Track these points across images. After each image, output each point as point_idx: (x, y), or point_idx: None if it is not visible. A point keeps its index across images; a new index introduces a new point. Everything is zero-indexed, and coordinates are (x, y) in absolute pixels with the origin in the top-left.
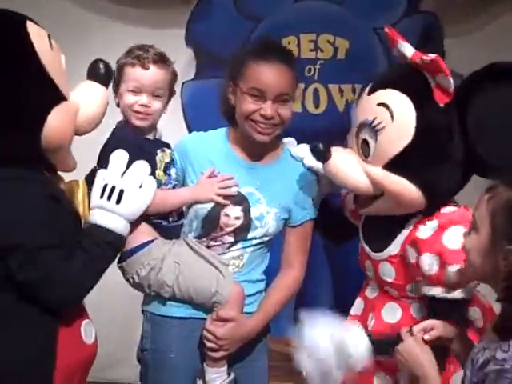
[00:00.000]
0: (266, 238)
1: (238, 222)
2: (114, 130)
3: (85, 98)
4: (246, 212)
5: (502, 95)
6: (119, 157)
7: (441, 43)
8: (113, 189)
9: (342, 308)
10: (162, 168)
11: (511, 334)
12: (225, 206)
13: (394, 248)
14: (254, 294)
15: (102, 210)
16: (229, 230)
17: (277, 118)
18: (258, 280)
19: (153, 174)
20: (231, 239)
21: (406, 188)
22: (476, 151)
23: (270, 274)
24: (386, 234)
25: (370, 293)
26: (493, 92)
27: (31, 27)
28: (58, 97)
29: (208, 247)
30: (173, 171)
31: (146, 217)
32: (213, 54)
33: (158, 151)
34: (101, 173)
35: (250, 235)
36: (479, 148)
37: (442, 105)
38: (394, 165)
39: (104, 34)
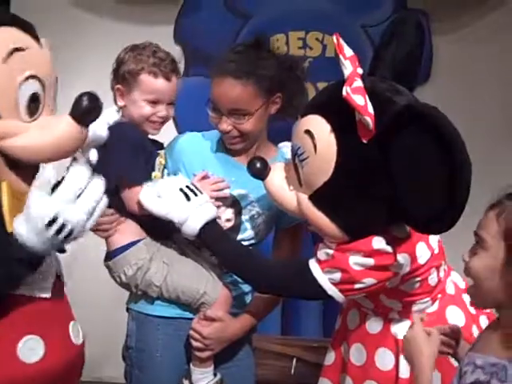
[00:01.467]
0: (255, 241)
1: (229, 224)
2: (115, 127)
3: (36, 126)
4: (237, 214)
5: (413, 144)
6: (78, 176)
7: (429, 41)
8: (62, 227)
9: (329, 307)
10: (161, 170)
11: None
12: (217, 207)
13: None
14: (239, 295)
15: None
16: None
17: (234, 132)
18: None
19: (150, 175)
20: None
21: (326, 224)
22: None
23: None
24: None
25: None
26: (408, 139)
27: None
28: None
29: (197, 248)
30: (165, 172)
31: (138, 216)
32: (201, 52)
33: (157, 152)
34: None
35: (239, 237)
36: (398, 192)
37: (365, 141)
38: (316, 198)
39: (93, 31)
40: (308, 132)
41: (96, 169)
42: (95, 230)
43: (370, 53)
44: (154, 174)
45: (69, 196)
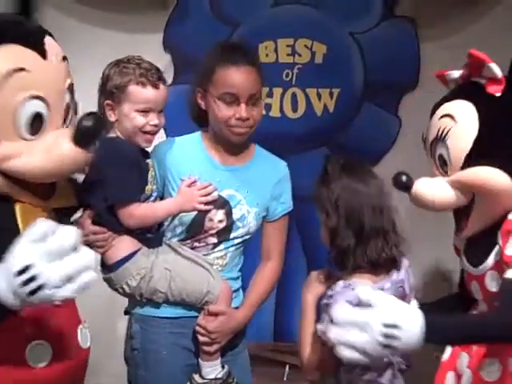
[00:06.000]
0: (247, 237)
1: (222, 225)
2: (108, 143)
3: (39, 146)
4: (229, 214)
5: None
6: (68, 236)
7: (417, 47)
8: (32, 278)
9: None
10: (152, 183)
11: None
12: (208, 211)
13: (495, 254)
14: (235, 291)
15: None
16: (212, 232)
17: (251, 120)
18: (238, 277)
19: (143, 189)
20: (214, 240)
21: (492, 173)
22: None
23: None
24: (486, 246)
25: None
26: None
27: None
28: None
29: (192, 248)
30: (154, 181)
31: (131, 230)
32: (190, 59)
33: (149, 165)
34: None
35: (232, 235)
36: None
37: (498, 95)
38: (475, 157)
39: (83, 39)
40: (443, 116)
41: (90, 187)
42: (91, 247)
43: (359, 60)
44: (147, 188)
45: (51, 252)
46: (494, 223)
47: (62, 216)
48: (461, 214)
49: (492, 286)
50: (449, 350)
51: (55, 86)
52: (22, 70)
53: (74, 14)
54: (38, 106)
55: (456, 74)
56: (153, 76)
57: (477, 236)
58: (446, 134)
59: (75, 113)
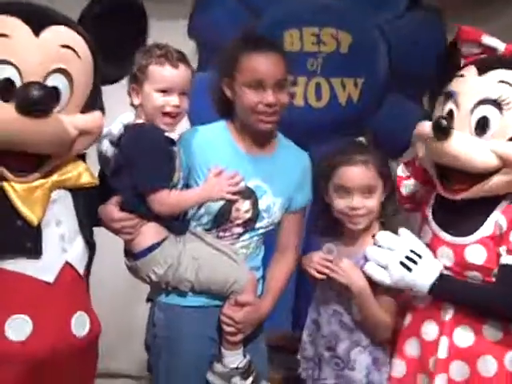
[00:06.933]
0: (271, 227)
1: (248, 215)
2: (134, 128)
3: None
4: (255, 204)
5: None
6: None
7: (443, 38)
8: None
9: None
10: (179, 169)
11: None
12: (235, 201)
13: (486, 229)
14: (258, 280)
15: None
16: (239, 222)
17: (278, 105)
18: (260, 266)
19: (172, 175)
20: (240, 230)
21: None
22: None
23: None
24: (474, 216)
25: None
26: None
27: None
28: None
29: (217, 238)
30: (181, 169)
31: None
32: (215, 47)
33: (175, 153)
34: None
35: (257, 225)
36: None
37: None
38: None
39: None
40: (503, 82)
41: (118, 173)
42: (118, 234)
43: (384, 49)
44: (176, 175)
45: None
46: (495, 196)
47: (82, 196)
48: (461, 173)
49: (474, 259)
50: (409, 318)
51: (35, 60)
52: (4, 35)
53: None
54: (9, 72)
55: (498, 44)
56: (173, 56)
57: (467, 203)
58: (507, 104)
59: (83, 109)
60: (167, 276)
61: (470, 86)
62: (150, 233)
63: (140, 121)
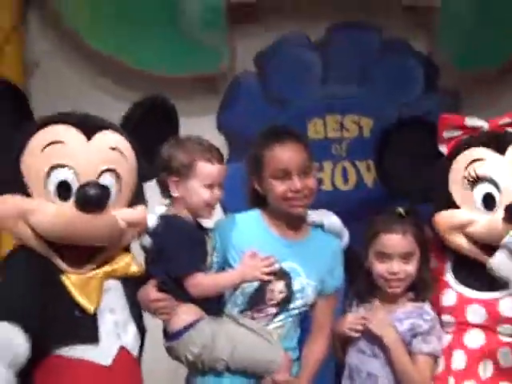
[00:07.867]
0: (305, 308)
1: (282, 296)
2: (169, 219)
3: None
4: (289, 285)
5: None
6: None
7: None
8: None
9: None
10: (212, 254)
11: None
12: (269, 282)
13: None
14: (294, 361)
15: None
16: (273, 302)
17: (306, 190)
18: (295, 347)
19: (205, 259)
20: (274, 310)
21: None
22: None
23: None
24: None
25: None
26: None
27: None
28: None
29: (252, 319)
30: (214, 254)
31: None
32: (244, 139)
33: (207, 238)
34: None
35: (291, 306)
36: None
37: None
38: None
39: None
40: None
41: (155, 260)
42: (156, 313)
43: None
44: (209, 259)
45: None
46: None
47: (130, 284)
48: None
49: (508, 311)
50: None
51: (89, 162)
52: (59, 142)
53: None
54: (65, 174)
55: (481, 122)
56: (217, 152)
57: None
58: None
59: (129, 204)
60: (203, 355)
61: (501, 166)
62: (185, 313)
63: (175, 212)
